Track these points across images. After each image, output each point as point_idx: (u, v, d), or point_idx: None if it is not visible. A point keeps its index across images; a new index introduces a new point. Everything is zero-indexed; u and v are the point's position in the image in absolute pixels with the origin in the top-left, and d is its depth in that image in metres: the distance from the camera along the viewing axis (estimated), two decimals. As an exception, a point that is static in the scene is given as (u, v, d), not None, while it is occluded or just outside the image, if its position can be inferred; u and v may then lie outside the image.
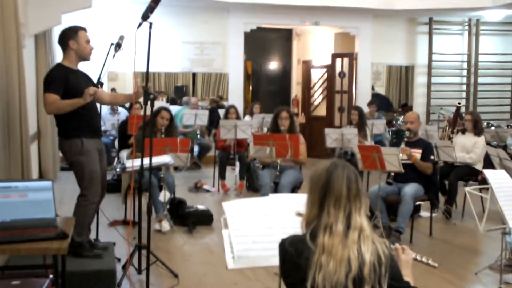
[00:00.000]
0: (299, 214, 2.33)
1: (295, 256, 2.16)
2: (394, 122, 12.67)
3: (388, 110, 13.57)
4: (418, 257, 2.57)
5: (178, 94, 14.20)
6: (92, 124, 4.68)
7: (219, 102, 12.69)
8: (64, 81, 4.54)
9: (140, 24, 3.89)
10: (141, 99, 4.50)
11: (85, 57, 4.72)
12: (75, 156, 4.55)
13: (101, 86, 5.49)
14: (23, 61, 5.53)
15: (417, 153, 6.17)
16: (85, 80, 4.80)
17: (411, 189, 5.99)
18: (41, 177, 8.46)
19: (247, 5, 11.17)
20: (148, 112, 4.24)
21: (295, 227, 2.43)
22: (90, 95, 4.44)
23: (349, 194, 2.19)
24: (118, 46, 5.22)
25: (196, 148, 10.86)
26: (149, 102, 4.19)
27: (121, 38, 5.20)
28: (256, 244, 2.50)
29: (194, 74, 12.80)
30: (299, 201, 2.53)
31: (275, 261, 2.31)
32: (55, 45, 9.25)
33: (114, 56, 5.26)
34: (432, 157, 6.26)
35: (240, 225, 2.56)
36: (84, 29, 4.75)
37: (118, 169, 5.50)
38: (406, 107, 13.75)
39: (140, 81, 12.24)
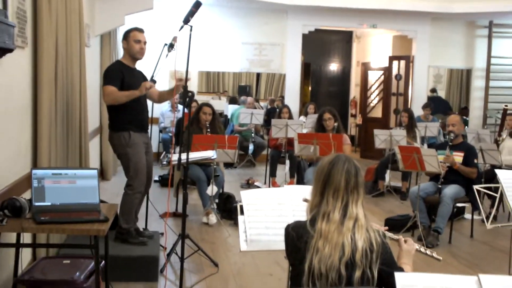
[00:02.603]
0: (305, 200, 2.56)
1: (296, 239, 2.40)
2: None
3: (447, 113, 13.46)
4: (422, 249, 2.70)
5: (242, 94, 14.56)
6: (139, 119, 5.03)
7: (283, 102, 12.92)
8: (120, 75, 4.92)
9: (181, 27, 4.17)
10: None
11: (134, 56, 5.06)
12: (123, 148, 4.92)
13: (154, 84, 5.85)
14: (85, 61, 5.97)
15: (459, 156, 6.21)
16: (140, 78, 5.17)
17: (450, 190, 6.05)
18: (102, 169, 8.96)
19: (305, 7, 11.38)
20: (187, 109, 4.52)
21: (305, 216, 2.66)
22: (146, 88, 4.78)
23: (347, 186, 2.40)
24: (171, 46, 5.54)
25: (251, 146, 11.15)
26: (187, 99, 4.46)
27: (174, 39, 5.50)
28: (269, 230, 2.75)
29: (258, 74, 13.09)
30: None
31: (284, 245, 2.53)
32: (119, 44, 9.78)
33: (167, 56, 5.59)
34: (475, 160, 6.29)
35: (254, 212, 2.81)
36: (138, 30, 5.08)
37: (164, 162, 5.85)
38: (465, 110, 13.62)
39: (200, 79, 12.70)
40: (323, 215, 2.38)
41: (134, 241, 4.96)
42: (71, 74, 5.26)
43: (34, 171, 3.55)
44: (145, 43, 5.11)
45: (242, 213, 2.83)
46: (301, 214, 2.76)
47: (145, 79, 5.26)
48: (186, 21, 4.12)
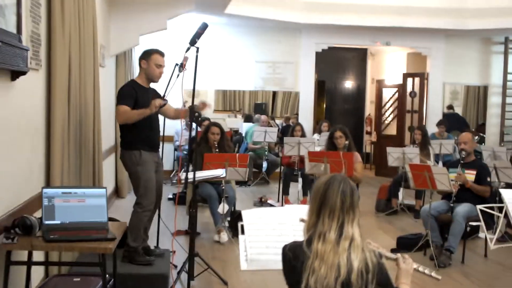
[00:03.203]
0: (302, 220, 2.60)
1: (292, 260, 2.44)
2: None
3: (463, 130, 13.38)
4: (421, 269, 2.70)
5: (258, 111, 14.65)
6: (150, 139, 5.12)
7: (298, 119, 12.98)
8: (134, 95, 5.00)
9: (188, 49, 4.26)
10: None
11: (152, 79, 5.15)
12: (133, 166, 5.01)
13: (166, 103, 5.94)
14: (98, 81, 6.09)
15: (471, 174, 6.19)
16: (154, 97, 5.24)
17: (463, 209, 6.01)
18: (117, 187, 9.06)
19: (318, 25, 11.47)
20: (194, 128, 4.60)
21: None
22: (156, 106, 4.86)
23: (342, 206, 2.44)
24: (182, 66, 5.63)
25: (264, 164, 11.20)
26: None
27: (185, 59, 5.59)
28: (269, 249, 2.79)
29: (274, 92, 13.19)
30: (311, 212, 2.76)
31: (283, 264, 2.57)
32: (135, 64, 9.95)
33: (178, 76, 5.67)
34: (488, 178, 6.26)
35: (255, 231, 2.85)
36: (159, 53, 5.13)
37: (174, 181, 5.95)
38: (483, 127, 13.54)
39: (216, 97, 12.83)
40: (319, 236, 2.41)
41: (140, 260, 4.97)
42: (84, 94, 5.37)
43: (44, 190, 3.64)
44: (164, 67, 5.19)
45: (243, 232, 2.88)
46: (301, 233, 2.78)
47: (158, 96, 5.32)
48: (193, 42, 4.21)
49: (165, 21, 8.65)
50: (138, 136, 5.01)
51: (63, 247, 3.42)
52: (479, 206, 4.57)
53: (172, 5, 8.71)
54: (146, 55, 5.14)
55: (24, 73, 3.69)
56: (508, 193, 3.99)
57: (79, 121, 5.21)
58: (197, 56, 4.10)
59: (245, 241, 2.83)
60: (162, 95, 5.70)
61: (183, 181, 4.74)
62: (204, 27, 4.24)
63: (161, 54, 5.15)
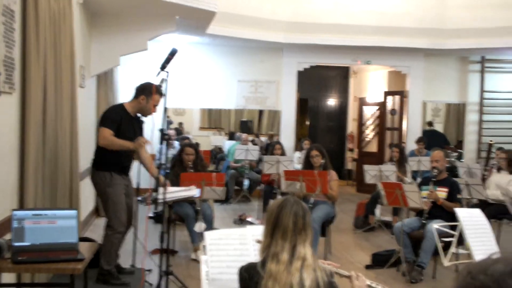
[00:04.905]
0: (258, 241, 2.69)
1: (248, 280, 2.53)
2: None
3: (443, 147, 13.55)
4: (373, 285, 2.80)
5: (244, 129, 14.77)
6: (123, 163, 5.23)
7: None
8: (119, 122, 5.10)
9: (158, 73, 4.36)
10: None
11: (144, 114, 5.29)
12: (103, 188, 5.09)
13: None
14: (76, 102, 6.15)
15: (443, 191, 6.32)
16: (137, 127, 5.36)
17: (434, 225, 6.12)
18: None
19: (300, 45, 11.62)
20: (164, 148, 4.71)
21: (262, 256, 2.78)
22: (140, 145, 5.01)
23: (295, 228, 2.54)
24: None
25: (246, 182, 11.28)
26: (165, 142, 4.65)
27: (162, 81, 5.70)
28: (230, 269, 2.86)
29: (260, 110, 13.29)
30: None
31: (241, 284, 2.65)
32: (116, 83, 10.02)
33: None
34: (459, 196, 6.39)
35: (217, 252, 2.94)
36: (160, 94, 5.20)
37: (149, 200, 6.03)
38: (462, 144, 13.72)
39: (202, 115, 12.88)
40: (273, 256, 2.51)
41: (115, 282, 5.06)
42: (60, 115, 5.41)
43: (14, 213, 3.69)
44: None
45: (205, 253, 2.96)
46: (261, 254, 2.88)
47: (142, 129, 5.46)
48: (163, 67, 4.31)
49: (146, 41, 8.72)
50: (111, 159, 5.11)
51: (30, 269, 3.48)
52: (434, 225, 4.68)
53: (153, 26, 8.79)
54: (148, 94, 5.19)
55: (-6, 97, 3.76)
56: (462, 212, 4.10)
57: (55, 142, 5.27)
58: (166, 80, 4.20)
59: (206, 261, 2.90)
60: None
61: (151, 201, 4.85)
62: (173, 52, 4.35)
63: (162, 95, 5.19)
